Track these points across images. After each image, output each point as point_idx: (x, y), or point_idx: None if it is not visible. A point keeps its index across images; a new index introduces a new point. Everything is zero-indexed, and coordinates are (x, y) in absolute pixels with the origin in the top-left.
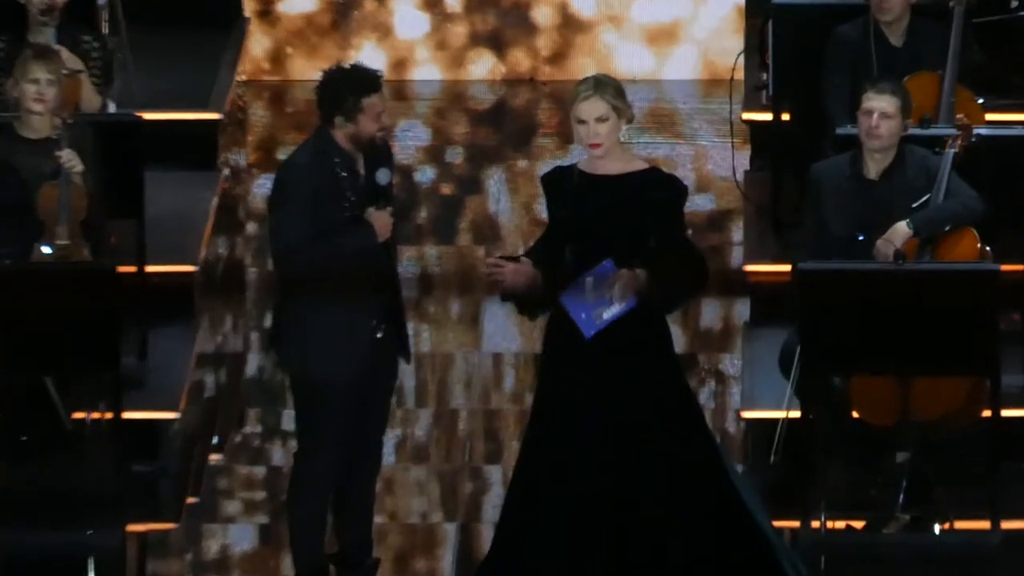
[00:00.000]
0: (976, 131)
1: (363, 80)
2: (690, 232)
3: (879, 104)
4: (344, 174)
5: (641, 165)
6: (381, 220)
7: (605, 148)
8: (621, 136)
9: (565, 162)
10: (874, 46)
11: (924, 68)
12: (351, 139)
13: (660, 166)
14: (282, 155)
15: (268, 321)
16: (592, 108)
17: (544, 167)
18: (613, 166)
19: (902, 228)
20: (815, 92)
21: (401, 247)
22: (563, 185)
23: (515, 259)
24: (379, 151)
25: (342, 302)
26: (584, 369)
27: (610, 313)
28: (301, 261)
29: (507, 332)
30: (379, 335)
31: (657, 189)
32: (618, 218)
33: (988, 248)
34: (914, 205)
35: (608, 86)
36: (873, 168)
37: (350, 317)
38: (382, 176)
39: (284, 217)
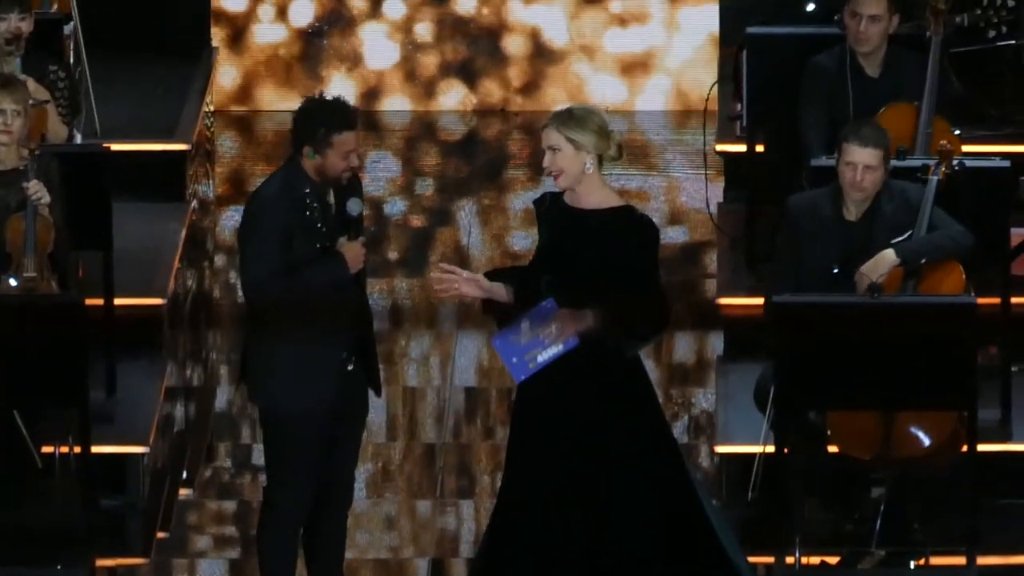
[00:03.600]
0: (956, 158)
1: (337, 114)
2: (661, 272)
3: (863, 157)
4: (315, 205)
5: (616, 202)
6: (352, 251)
7: (566, 180)
8: (587, 168)
9: (537, 194)
10: (850, 77)
11: (901, 99)
12: (317, 172)
13: (633, 198)
14: (251, 187)
15: (238, 354)
16: (545, 137)
17: (515, 199)
18: (589, 199)
19: (888, 256)
20: (790, 123)
21: (371, 280)
22: (545, 211)
23: (500, 272)
24: (349, 182)
25: (311, 334)
26: (555, 404)
27: (545, 356)
28: (270, 293)
29: (479, 366)
30: (349, 368)
31: (627, 229)
32: (586, 254)
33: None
34: (895, 241)
35: (568, 118)
36: (854, 210)
37: (319, 350)
38: (353, 207)
39: (252, 249)
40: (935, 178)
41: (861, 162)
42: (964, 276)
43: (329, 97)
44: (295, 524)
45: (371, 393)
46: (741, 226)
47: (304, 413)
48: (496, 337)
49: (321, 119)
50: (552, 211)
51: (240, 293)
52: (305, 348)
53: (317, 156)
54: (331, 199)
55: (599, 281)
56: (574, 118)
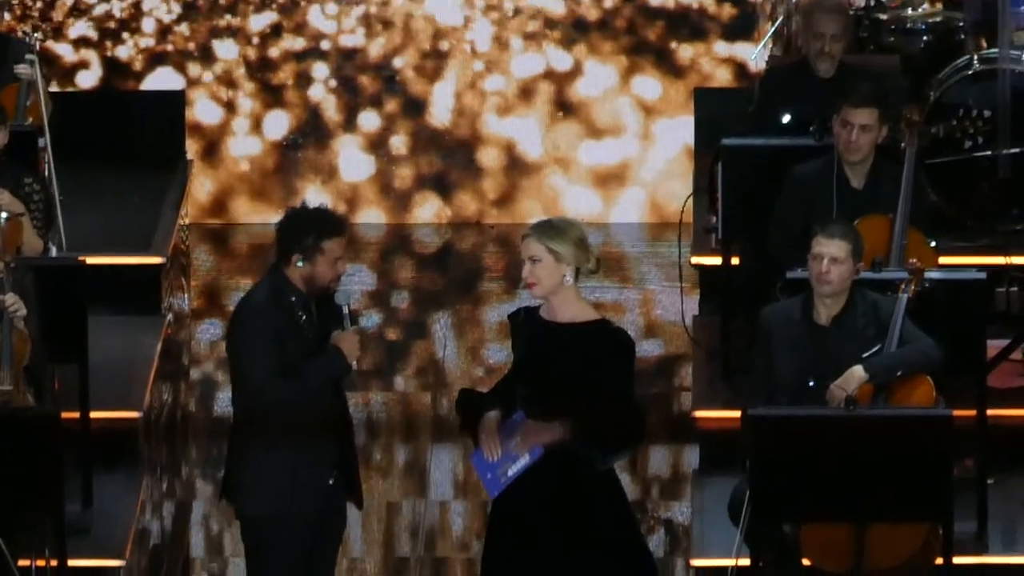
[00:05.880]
0: (927, 275)
1: (327, 222)
2: (636, 385)
3: (829, 249)
4: (301, 314)
5: (592, 316)
6: (348, 341)
7: (543, 290)
8: (567, 280)
9: (513, 306)
10: (836, 187)
11: (881, 210)
12: (306, 281)
13: (608, 311)
14: (226, 300)
15: (213, 467)
16: (525, 247)
17: (491, 311)
18: (565, 313)
19: (858, 372)
20: (765, 235)
21: (346, 393)
22: (520, 326)
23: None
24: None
25: (294, 446)
26: (529, 518)
27: (515, 469)
28: (273, 396)
29: (454, 479)
30: (331, 481)
31: (602, 342)
32: (562, 368)
33: (940, 395)
34: (865, 355)
35: (549, 229)
36: (824, 313)
37: (305, 461)
38: (341, 298)
39: (249, 355)
40: (905, 295)
41: (827, 254)
42: (933, 388)
43: (313, 206)
44: None
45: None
46: (716, 339)
47: (282, 524)
48: (474, 454)
49: (309, 226)
50: (528, 325)
51: (217, 405)
52: (291, 459)
53: (306, 264)
54: (314, 310)
55: (575, 394)
56: (555, 229)
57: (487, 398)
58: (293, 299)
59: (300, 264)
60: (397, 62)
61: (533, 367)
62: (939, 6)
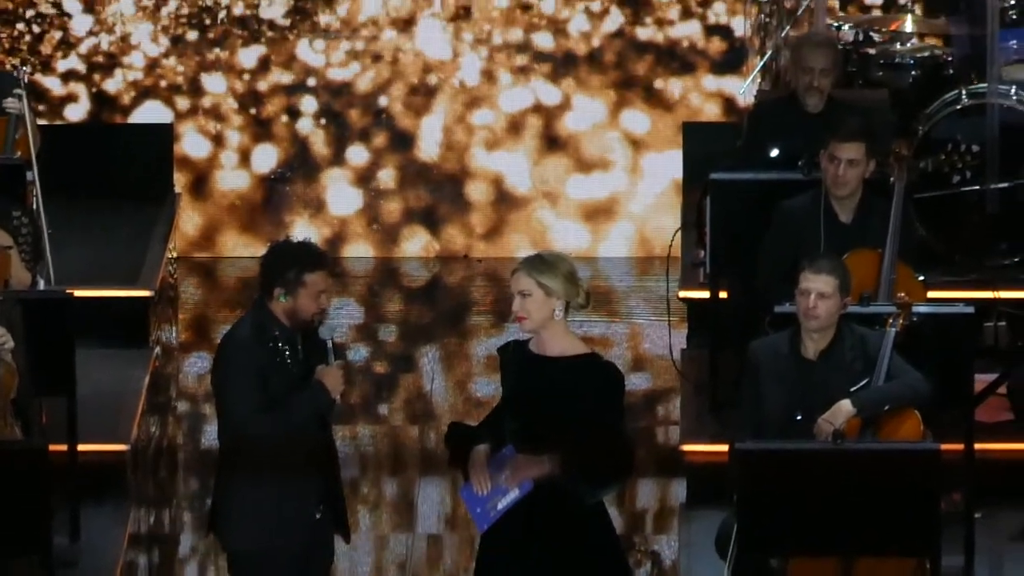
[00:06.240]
0: (915, 310)
1: (308, 255)
2: (626, 420)
3: (816, 284)
4: (285, 348)
5: (582, 349)
6: (331, 376)
7: (532, 324)
8: (557, 314)
9: (501, 340)
10: (823, 221)
11: (869, 245)
12: (288, 315)
13: (596, 345)
14: (214, 333)
15: (200, 501)
16: (515, 282)
17: (478, 345)
18: (554, 347)
19: (845, 406)
20: (753, 269)
21: (334, 426)
22: (510, 359)
23: (469, 428)
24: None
25: (281, 480)
26: (518, 552)
27: (505, 502)
28: (256, 431)
29: (442, 513)
30: (317, 515)
31: (592, 376)
32: (551, 401)
33: (927, 429)
34: (853, 389)
35: (539, 263)
36: (811, 348)
37: (287, 495)
38: (325, 332)
39: (232, 390)
40: (893, 330)
41: (815, 289)
42: (921, 423)
43: (295, 240)
44: None
45: (339, 539)
46: (704, 372)
47: (274, 559)
48: (463, 488)
49: (291, 260)
50: (517, 359)
51: (204, 438)
52: (276, 493)
53: (288, 298)
54: (300, 345)
55: (564, 428)
56: (545, 263)
57: (476, 431)
58: (277, 333)
59: (283, 298)
60: (384, 99)
61: (522, 401)
62: (928, 41)
